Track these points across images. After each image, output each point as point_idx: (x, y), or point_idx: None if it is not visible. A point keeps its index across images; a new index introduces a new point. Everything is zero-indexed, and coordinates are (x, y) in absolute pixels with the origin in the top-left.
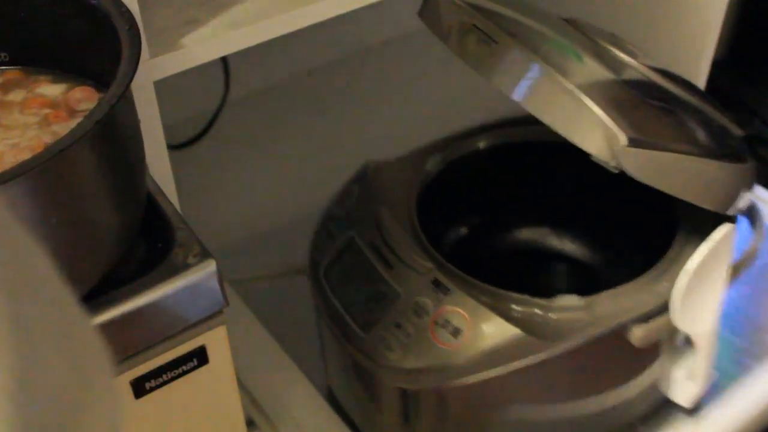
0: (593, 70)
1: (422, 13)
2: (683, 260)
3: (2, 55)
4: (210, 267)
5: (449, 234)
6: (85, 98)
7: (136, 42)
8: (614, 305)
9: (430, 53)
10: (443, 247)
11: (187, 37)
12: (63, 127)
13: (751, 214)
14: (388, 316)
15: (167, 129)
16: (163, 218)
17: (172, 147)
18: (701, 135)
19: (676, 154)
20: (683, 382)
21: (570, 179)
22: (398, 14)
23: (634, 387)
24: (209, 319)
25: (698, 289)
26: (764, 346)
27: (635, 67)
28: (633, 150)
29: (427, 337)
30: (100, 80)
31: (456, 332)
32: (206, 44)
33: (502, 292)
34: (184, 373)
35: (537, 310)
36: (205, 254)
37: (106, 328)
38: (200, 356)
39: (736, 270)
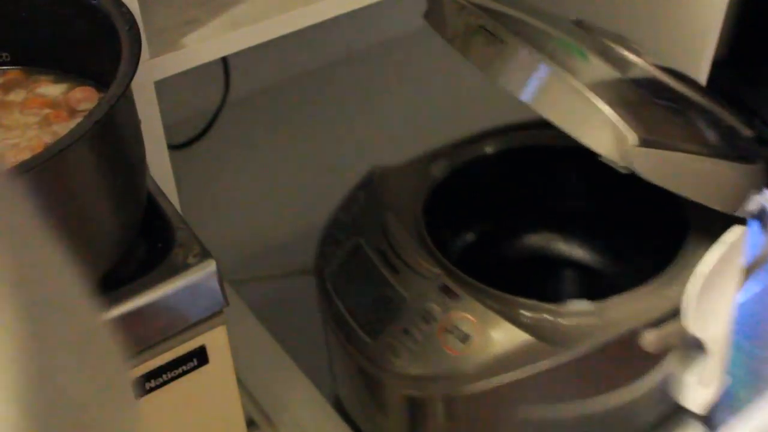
0: (601, 69)
1: (427, 16)
2: (694, 263)
3: (3, 55)
4: (210, 267)
5: (455, 241)
6: (85, 98)
7: (137, 42)
8: (625, 310)
9: (432, 53)
10: (450, 254)
11: (187, 37)
12: (63, 128)
13: (762, 216)
14: (396, 322)
15: (167, 129)
16: (163, 218)
17: (172, 147)
18: (711, 135)
19: (687, 155)
20: (695, 387)
21: (577, 184)
22: (399, 14)
23: (646, 393)
24: (209, 319)
25: (710, 293)
26: None
27: (642, 66)
28: (644, 150)
29: (435, 343)
30: (100, 80)
31: (465, 338)
32: (206, 44)
33: (511, 297)
34: (184, 373)
35: (547, 316)
36: (205, 254)
37: None
38: (200, 356)
39: (748, 273)
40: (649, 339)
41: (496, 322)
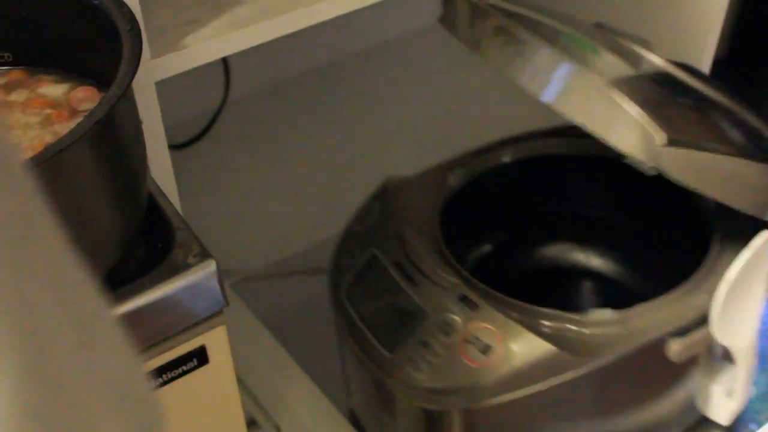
0: (623, 69)
1: (443, 19)
2: (720, 271)
3: (5, 55)
4: (210, 267)
5: (472, 252)
6: (87, 98)
7: (137, 42)
8: (650, 319)
9: (433, 53)
10: (467, 265)
11: (188, 38)
12: (65, 127)
13: None
14: (415, 334)
15: (167, 129)
16: (163, 218)
17: (173, 147)
18: (735, 136)
19: (715, 155)
20: (721, 398)
21: (594, 193)
22: (399, 14)
23: (670, 404)
24: (209, 319)
25: (738, 300)
26: None
27: (663, 66)
28: (672, 150)
29: (455, 355)
30: (101, 80)
31: (486, 349)
32: (207, 45)
33: (532, 307)
34: (184, 373)
35: (569, 326)
36: (205, 254)
37: None
38: (200, 356)
39: None
40: (675, 348)
41: (518, 332)
